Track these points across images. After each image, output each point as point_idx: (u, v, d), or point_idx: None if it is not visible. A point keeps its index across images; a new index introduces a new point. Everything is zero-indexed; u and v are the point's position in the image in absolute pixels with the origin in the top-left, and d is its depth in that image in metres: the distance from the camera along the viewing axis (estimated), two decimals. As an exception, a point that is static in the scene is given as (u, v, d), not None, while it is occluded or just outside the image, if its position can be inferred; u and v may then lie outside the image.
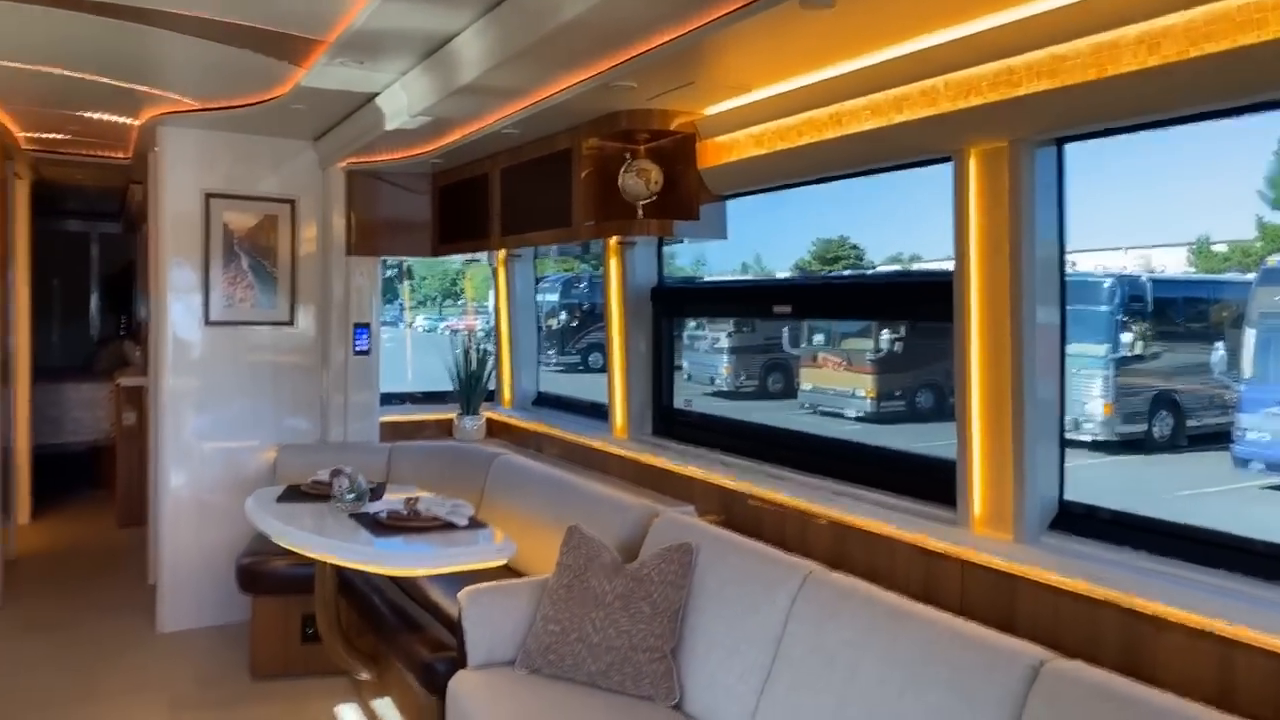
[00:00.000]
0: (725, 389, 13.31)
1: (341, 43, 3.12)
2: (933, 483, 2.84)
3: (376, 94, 3.80)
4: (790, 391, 12.84)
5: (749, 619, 2.64)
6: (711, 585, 2.80)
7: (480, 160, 4.53)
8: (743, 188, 3.43)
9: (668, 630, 2.78)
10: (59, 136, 5.39)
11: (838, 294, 3.65)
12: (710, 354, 13.72)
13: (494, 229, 4.47)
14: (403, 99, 3.65)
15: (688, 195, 3.50)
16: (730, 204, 3.63)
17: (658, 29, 2.54)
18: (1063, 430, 2.56)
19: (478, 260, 5.59)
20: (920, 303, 3.16)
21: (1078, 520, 2.49)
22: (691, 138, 3.45)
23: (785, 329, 12.66)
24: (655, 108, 3.34)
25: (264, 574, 4.11)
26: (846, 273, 13.67)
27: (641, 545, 3.14)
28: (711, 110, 3.31)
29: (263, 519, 3.54)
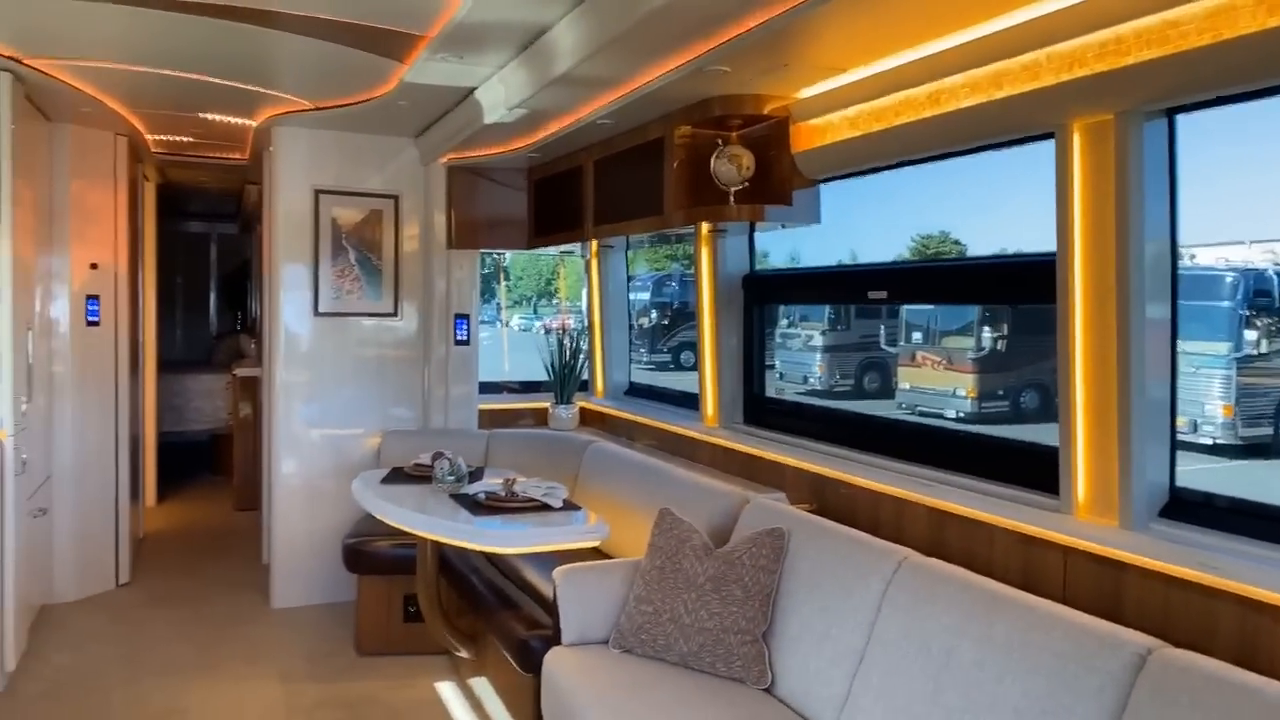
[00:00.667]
0: (819, 388, 13.11)
1: (443, 37, 3.23)
2: (1032, 469, 2.76)
3: (475, 88, 3.92)
4: (887, 391, 12.56)
5: (842, 604, 2.62)
6: (803, 570, 2.79)
7: (574, 153, 4.61)
8: (837, 171, 3.40)
9: (759, 614, 2.78)
10: (183, 139, 5.73)
11: (934, 277, 3.53)
12: (803, 352, 13.53)
13: (587, 220, 4.55)
14: (500, 92, 3.75)
15: (780, 180, 3.49)
16: (826, 200, 3.58)
17: (751, 11, 2.54)
18: (1174, 416, 2.45)
19: (572, 252, 5.69)
20: (1022, 285, 3.05)
21: (1190, 508, 2.38)
22: (785, 122, 3.43)
23: (882, 327, 12.40)
24: (748, 92, 3.34)
25: (368, 554, 4.28)
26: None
27: (732, 531, 3.14)
28: (805, 93, 3.28)
29: (368, 499, 3.69)
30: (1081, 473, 2.49)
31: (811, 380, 13.19)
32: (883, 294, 3.53)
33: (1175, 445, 2.45)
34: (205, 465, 8.24)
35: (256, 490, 6.12)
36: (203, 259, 10.37)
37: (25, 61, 3.84)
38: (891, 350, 12.29)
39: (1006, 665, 2.10)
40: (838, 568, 2.70)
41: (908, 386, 11.76)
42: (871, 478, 3.22)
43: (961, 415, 10.81)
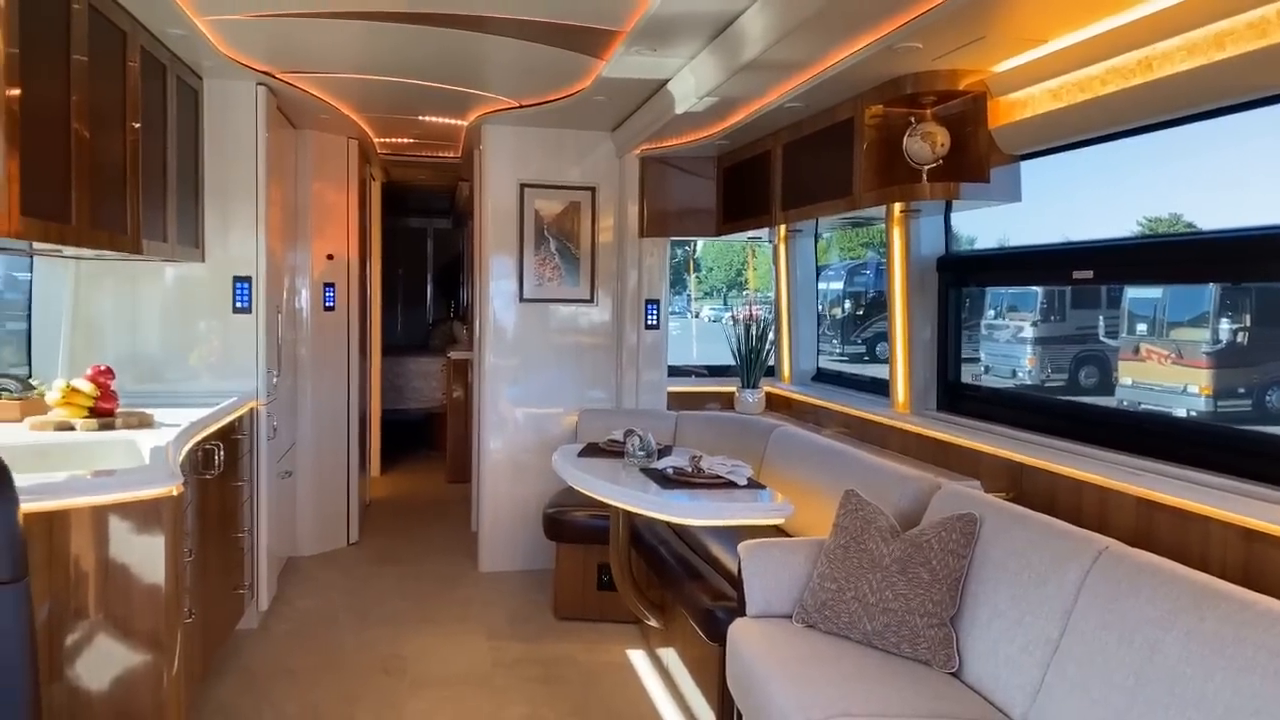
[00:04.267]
0: (1029, 383, 12.35)
1: (637, 31, 3.38)
2: (1258, 461, 2.54)
3: (667, 80, 4.05)
4: (1106, 387, 11.64)
5: (1036, 591, 2.53)
6: (995, 556, 2.72)
7: (763, 138, 4.66)
8: (1038, 145, 3.24)
9: (947, 597, 2.74)
10: (404, 140, 6.28)
11: (1153, 254, 3.27)
12: (1012, 344, 12.78)
13: (775, 204, 4.58)
14: (691, 82, 3.86)
15: (976, 157, 3.38)
16: (1037, 181, 3.41)
17: (943, -17, 2.50)
18: None
19: (760, 239, 5.73)
20: (1261, 260, 2.77)
21: None
22: (982, 97, 3.31)
23: (1100, 317, 11.50)
24: (941, 68, 3.26)
25: (567, 523, 4.55)
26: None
27: (922, 517, 3.10)
28: (1003, 66, 3.16)
29: (566, 470, 3.93)
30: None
31: (1021, 374, 12.43)
32: (1088, 274, 3.32)
33: None
34: (422, 441, 8.97)
35: (466, 464, 6.62)
36: (420, 252, 11.25)
37: (277, 76, 4.36)
38: (1111, 343, 11.37)
39: (1216, 662, 1.97)
40: (1032, 555, 2.61)
41: (1130, 382, 10.84)
42: (1074, 465, 3.06)
43: (1194, 414, 9.85)
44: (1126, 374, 10.97)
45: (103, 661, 2.52)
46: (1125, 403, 10.66)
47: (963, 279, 4.07)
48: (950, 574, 2.75)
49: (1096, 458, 3.04)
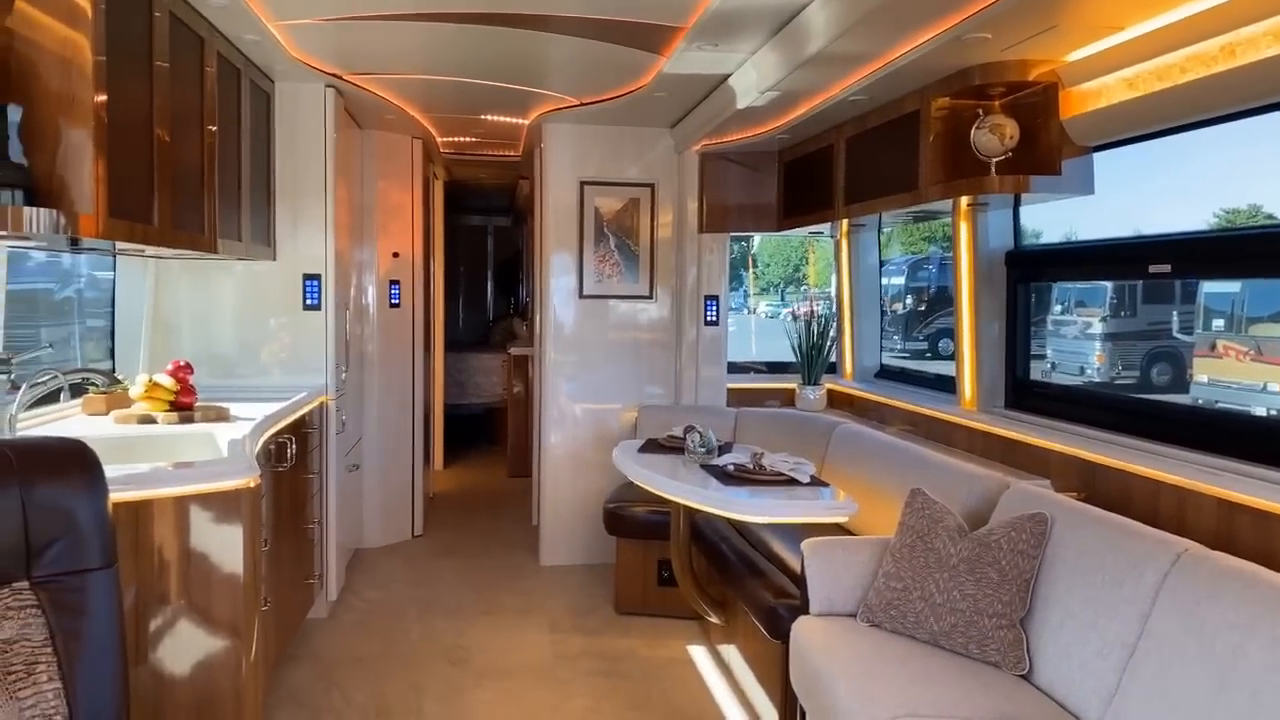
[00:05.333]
0: (1098, 380, 12.00)
1: (699, 27, 3.37)
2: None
3: (728, 75, 4.04)
4: (1180, 385, 11.24)
5: (1110, 594, 2.47)
6: (1067, 557, 2.66)
7: (825, 132, 4.61)
8: (1113, 136, 3.15)
9: (1017, 599, 2.68)
10: (466, 139, 6.37)
11: (1233, 247, 3.15)
12: (1079, 340, 12.43)
13: (838, 199, 4.53)
14: (752, 76, 3.84)
15: (1047, 149, 3.30)
16: (1107, 174, 3.32)
17: (1015, -29, 2.45)
18: None
19: (821, 233, 5.68)
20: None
21: None
22: (1053, 87, 3.24)
23: (1174, 313, 11.12)
24: (1011, 59, 3.19)
25: (626, 518, 4.57)
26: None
27: (990, 517, 3.04)
28: (1076, 55, 3.08)
29: (627, 465, 3.95)
30: None
31: (1089, 371, 12.07)
32: (1165, 268, 3.22)
33: None
34: (483, 435, 9.09)
35: (527, 459, 6.69)
36: (480, 249, 11.40)
37: (345, 77, 4.46)
38: (1186, 339, 10.99)
39: (1306, 669, 1.90)
40: (1107, 557, 2.55)
41: (1205, 380, 10.45)
42: (1151, 465, 2.98)
43: (1275, 413, 9.48)
44: (1202, 371, 10.57)
45: (185, 646, 2.61)
46: (1201, 401, 10.29)
47: (1033, 274, 3.99)
48: (1020, 574, 2.70)
49: (1174, 457, 2.95)
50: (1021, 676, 2.63)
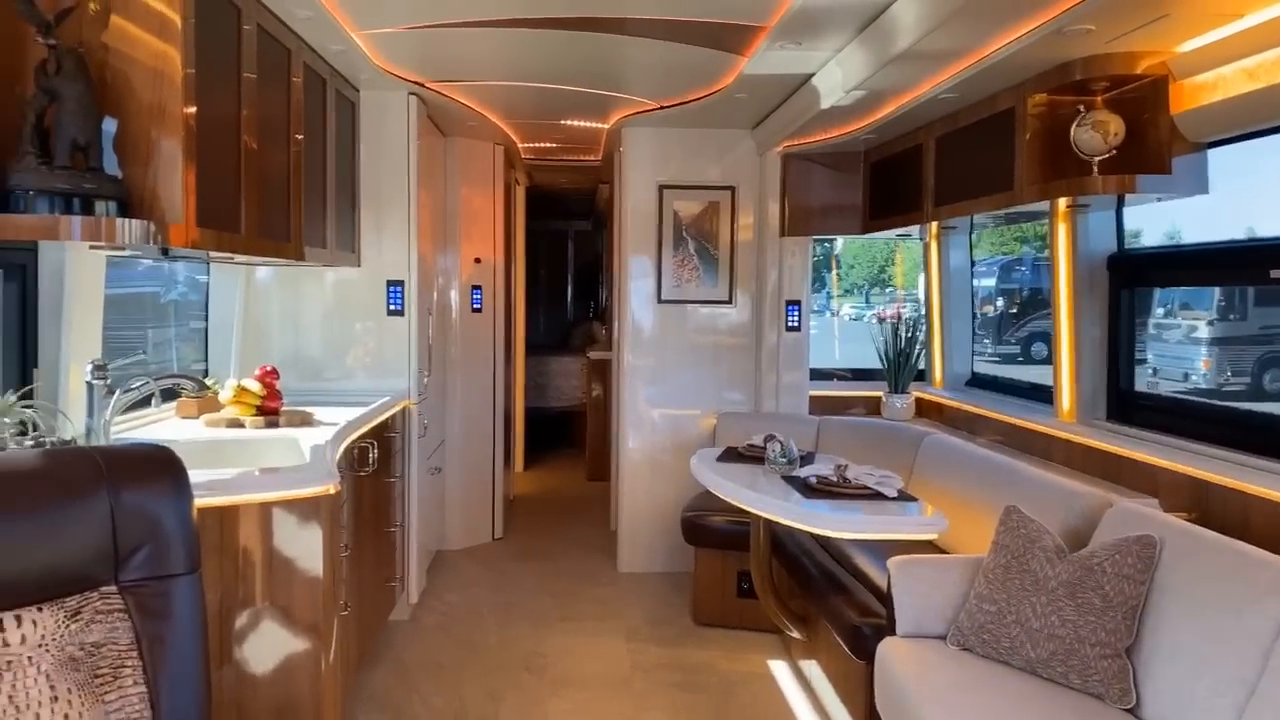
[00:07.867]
0: (1204, 387, 11.35)
1: (781, 26, 3.28)
2: None
3: (812, 74, 3.93)
4: (1297, 394, 10.57)
5: (1228, 626, 2.28)
6: (1178, 584, 2.47)
7: (913, 131, 4.45)
8: (1230, 131, 2.93)
9: (1122, 627, 2.51)
10: (546, 145, 6.39)
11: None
12: (1184, 345, 11.78)
13: (927, 201, 4.36)
14: (837, 75, 3.72)
15: (1156, 146, 3.09)
16: (1217, 170, 3.10)
17: (1123, -43, 2.29)
18: None
19: (909, 235, 5.49)
20: None
21: None
22: (1162, 81, 3.03)
23: (1290, 315, 10.46)
24: (1116, 51, 3.00)
25: (705, 528, 4.50)
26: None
27: (1091, 537, 2.86)
28: (1188, 46, 2.88)
29: (705, 475, 3.87)
30: None
31: (1194, 378, 11.44)
32: (1290, 272, 2.99)
33: None
34: (563, 438, 9.13)
35: (606, 463, 6.67)
36: (561, 254, 11.47)
37: (427, 85, 4.51)
38: (1302, 344, 10.32)
39: None
40: (1224, 585, 2.36)
41: (1325, 390, 9.81)
42: (1272, 485, 2.76)
43: (1399, 423, 8.79)
44: (1323, 380, 9.91)
45: (267, 648, 2.65)
46: (1317, 410, 9.64)
47: (1138, 279, 3.76)
48: (1126, 601, 2.53)
49: (1299, 477, 2.73)
50: (1128, 711, 2.46)
